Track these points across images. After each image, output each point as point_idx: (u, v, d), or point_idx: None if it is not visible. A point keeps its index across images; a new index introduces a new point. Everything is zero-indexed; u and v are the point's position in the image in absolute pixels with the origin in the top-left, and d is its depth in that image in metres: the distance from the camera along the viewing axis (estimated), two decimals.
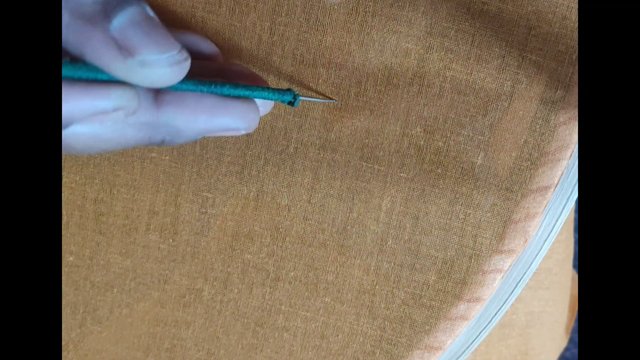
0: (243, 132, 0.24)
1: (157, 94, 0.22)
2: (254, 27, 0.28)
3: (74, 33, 0.19)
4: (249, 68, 0.28)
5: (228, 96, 0.23)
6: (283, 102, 0.25)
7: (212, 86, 0.23)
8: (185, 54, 0.21)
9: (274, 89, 0.25)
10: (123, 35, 0.20)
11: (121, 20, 0.20)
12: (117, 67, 0.20)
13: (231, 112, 0.23)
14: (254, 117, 0.24)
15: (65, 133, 0.21)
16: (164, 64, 0.20)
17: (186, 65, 0.21)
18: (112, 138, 0.21)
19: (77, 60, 0.20)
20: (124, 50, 0.20)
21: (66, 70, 0.20)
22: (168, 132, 0.22)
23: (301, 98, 0.27)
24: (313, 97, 0.28)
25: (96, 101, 0.20)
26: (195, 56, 0.25)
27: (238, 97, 0.23)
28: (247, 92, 0.23)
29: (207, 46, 0.26)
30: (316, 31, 0.28)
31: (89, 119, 0.20)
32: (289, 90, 0.25)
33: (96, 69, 0.20)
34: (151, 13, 0.21)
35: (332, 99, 0.28)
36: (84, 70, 0.20)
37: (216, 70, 0.25)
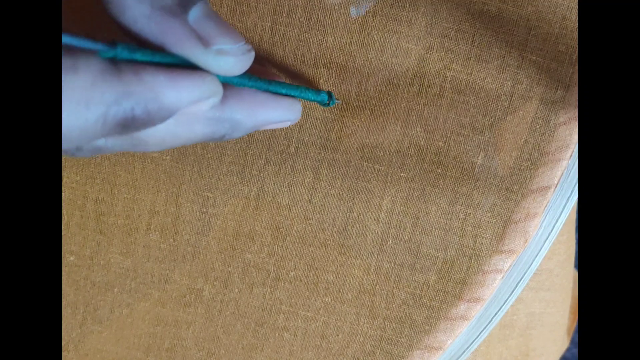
0: (289, 124, 0.25)
1: None
2: (255, 27, 0.28)
3: (155, 24, 0.21)
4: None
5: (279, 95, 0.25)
6: (321, 102, 0.27)
7: (270, 84, 0.24)
8: (250, 45, 0.23)
9: (315, 90, 0.26)
10: (200, 26, 0.21)
11: (197, 13, 0.21)
12: (197, 55, 0.21)
13: (282, 106, 0.25)
14: (299, 109, 0.26)
15: (146, 131, 0.22)
16: (238, 52, 0.22)
17: (252, 55, 0.23)
18: (182, 134, 0.23)
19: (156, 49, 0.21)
20: (203, 39, 0.21)
21: (157, 57, 0.21)
22: (230, 126, 0.24)
23: (337, 101, 0.28)
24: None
25: (197, 88, 0.21)
26: None
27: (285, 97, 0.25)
28: (296, 92, 0.25)
29: None
30: (317, 31, 0.28)
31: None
32: (326, 92, 0.27)
33: (168, 57, 0.21)
34: (210, 7, 0.22)
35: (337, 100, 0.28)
36: (160, 56, 0.21)
37: (253, 72, 0.26)
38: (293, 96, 0.25)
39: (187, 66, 0.21)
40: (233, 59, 0.22)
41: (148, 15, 0.20)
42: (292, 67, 0.28)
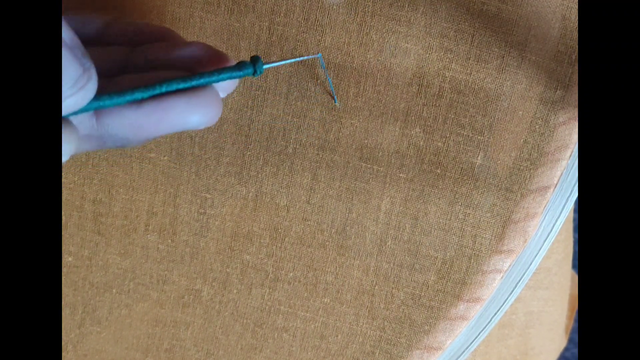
0: (203, 127, 0.22)
1: None
2: (253, 27, 0.28)
3: None
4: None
5: (173, 93, 0.21)
6: (247, 75, 0.22)
7: (161, 86, 0.20)
8: (84, 79, 0.19)
9: (225, 68, 0.22)
10: None
11: None
12: None
13: (180, 111, 0.21)
14: (210, 109, 0.21)
15: None
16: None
17: (88, 90, 0.19)
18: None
19: None
20: None
21: None
22: (117, 141, 0.21)
23: (266, 66, 0.23)
24: (287, 60, 0.26)
25: None
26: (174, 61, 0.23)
27: (186, 91, 0.21)
28: (201, 81, 0.21)
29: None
30: (315, 31, 0.27)
31: None
32: (244, 62, 0.22)
33: None
34: (63, 34, 0.19)
35: (314, 55, 0.27)
36: None
37: (163, 58, 0.23)
38: (200, 85, 0.21)
39: None
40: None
41: None
42: (289, 67, 0.28)
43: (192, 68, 0.22)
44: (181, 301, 0.31)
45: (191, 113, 0.21)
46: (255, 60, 0.22)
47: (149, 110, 0.21)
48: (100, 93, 0.20)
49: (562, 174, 0.28)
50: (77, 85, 0.19)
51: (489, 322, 0.30)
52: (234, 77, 0.22)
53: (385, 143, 0.28)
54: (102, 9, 0.28)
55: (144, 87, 0.21)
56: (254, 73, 0.22)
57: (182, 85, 0.21)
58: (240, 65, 0.22)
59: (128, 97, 0.20)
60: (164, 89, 0.21)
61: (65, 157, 0.19)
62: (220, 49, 0.28)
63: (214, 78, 0.21)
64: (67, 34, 0.19)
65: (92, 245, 0.31)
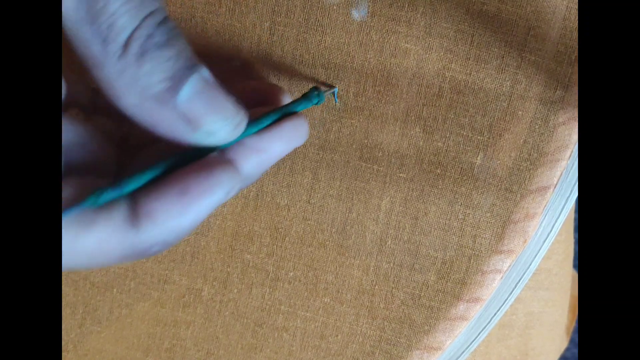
0: (299, 145, 0.24)
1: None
2: (254, 27, 0.28)
3: (145, 114, 0.20)
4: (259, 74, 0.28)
5: (278, 122, 0.24)
6: (313, 104, 0.26)
7: (267, 117, 0.23)
8: (241, 110, 0.22)
9: (302, 99, 0.25)
10: (189, 109, 0.20)
11: (186, 93, 0.20)
12: (188, 139, 0.21)
13: (291, 134, 0.24)
14: (304, 132, 0.24)
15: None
16: (228, 129, 0.21)
17: (245, 121, 0.22)
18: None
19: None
20: (192, 123, 0.20)
21: (156, 169, 0.21)
22: (241, 181, 0.23)
23: (324, 92, 0.27)
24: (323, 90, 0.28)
25: (216, 192, 0.21)
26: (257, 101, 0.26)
27: (287, 117, 0.24)
28: (286, 110, 0.24)
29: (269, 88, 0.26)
30: (315, 31, 0.28)
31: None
32: (314, 92, 0.26)
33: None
34: (207, 76, 0.21)
35: (334, 86, 0.28)
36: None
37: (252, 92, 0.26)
38: (292, 112, 0.24)
39: (194, 164, 0.21)
40: (224, 136, 0.21)
41: (138, 105, 0.20)
42: (290, 67, 0.28)
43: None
44: (182, 301, 0.31)
45: (297, 135, 0.24)
46: (318, 90, 0.26)
47: (269, 137, 0.23)
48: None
49: (562, 174, 0.28)
50: (235, 122, 0.21)
51: (489, 323, 0.30)
52: (308, 106, 0.26)
53: (385, 143, 0.29)
54: None
55: (264, 115, 0.23)
56: (317, 102, 0.26)
57: (283, 112, 0.24)
58: (311, 97, 0.26)
59: (259, 125, 0.23)
60: (272, 117, 0.23)
61: (232, 194, 0.22)
62: (222, 50, 0.28)
63: (299, 106, 0.25)
64: (211, 77, 0.21)
65: None
